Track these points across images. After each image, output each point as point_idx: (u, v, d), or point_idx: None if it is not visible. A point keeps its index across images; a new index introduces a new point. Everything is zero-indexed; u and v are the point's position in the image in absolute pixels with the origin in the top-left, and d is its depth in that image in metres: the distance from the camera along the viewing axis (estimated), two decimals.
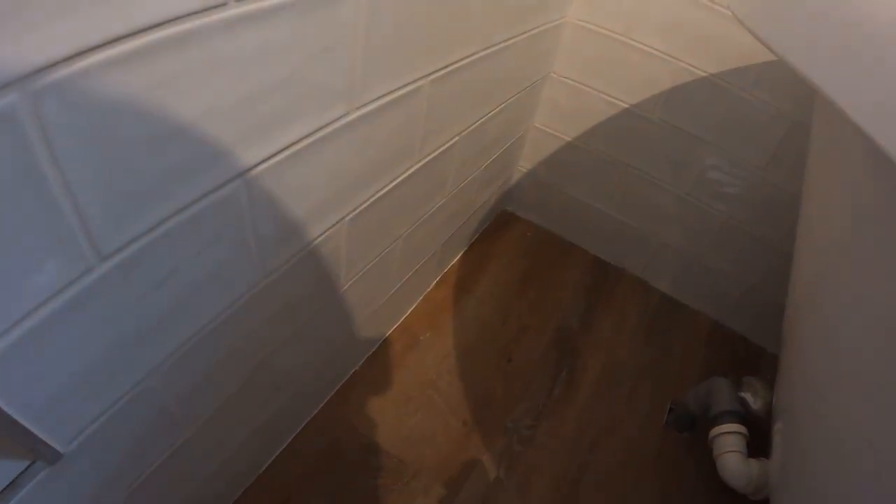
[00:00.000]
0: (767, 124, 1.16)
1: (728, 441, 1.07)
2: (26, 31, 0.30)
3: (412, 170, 0.87)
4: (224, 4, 0.41)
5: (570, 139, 1.43)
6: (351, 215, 0.76)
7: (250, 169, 0.53)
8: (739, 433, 1.08)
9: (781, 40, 0.51)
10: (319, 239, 0.72)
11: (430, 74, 0.75)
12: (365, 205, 0.78)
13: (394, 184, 0.83)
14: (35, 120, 0.33)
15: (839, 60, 0.43)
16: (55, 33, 0.31)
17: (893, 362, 0.52)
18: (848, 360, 0.61)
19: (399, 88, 0.70)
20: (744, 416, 1.11)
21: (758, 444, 1.07)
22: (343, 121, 0.62)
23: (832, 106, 0.41)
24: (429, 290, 1.37)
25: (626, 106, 1.29)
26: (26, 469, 0.47)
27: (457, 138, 0.97)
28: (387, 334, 1.24)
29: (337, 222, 0.74)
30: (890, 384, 0.53)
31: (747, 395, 1.16)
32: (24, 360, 0.41)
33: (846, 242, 0.61)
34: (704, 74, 1.16)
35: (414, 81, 0.73)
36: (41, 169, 0.34)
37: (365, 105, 0.65)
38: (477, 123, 1.04)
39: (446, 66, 0.79)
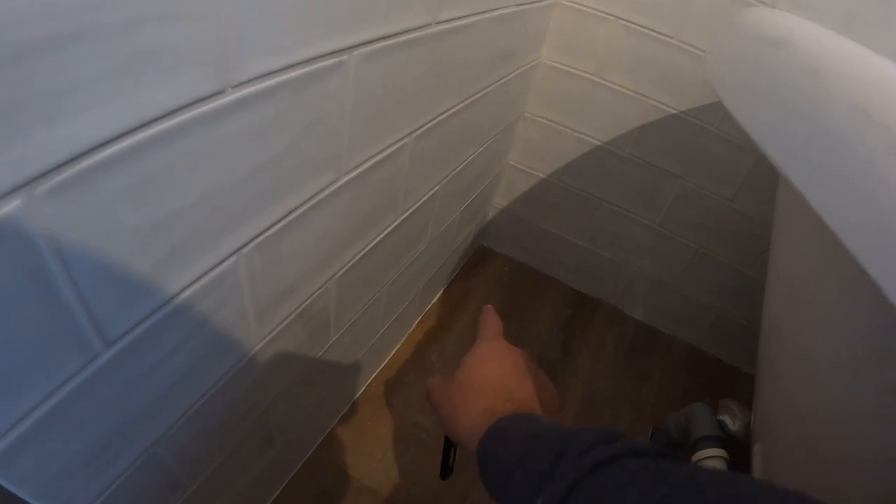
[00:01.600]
0: (734, 158, 1.20)
1: (710, 466, 1.09)
2: (23, 140, 0.31)
3: (397, 222, 0.89)
4: (221, 92, 0.43)
5: (543, 175, 1.47)
6: (339, 273, 0.78)
7: (247, 243, 0.54)
8: (720, 457, 1.09)
9: (743, 111, 0.54)
10: (311, 298, 0.73)
11: (413, 132, 0.77)
12: (352, 262, 0.80)
13: (380, 237, 0.85)
14: (39, 222, 0.34)
15: (793, 133, 0.45)
16: (51, 139, 0.32)
17: (862, 382, 0.55)
18: (821, 382, 0.64)
19: (384, 149, 0.72)
20: (723, 439, 1.13)
21: (738, 465, 1.09)
22: (332, 188, 0.64)
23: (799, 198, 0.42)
24: (411, 330, 1.38)
25: (598, 143, 1.33)
26: None
27: (438, 187, 1.00)
28: (372, 377, 1.25)
29: (327, 280, 0.75)
30: (859, 403, 0.56)
31: (725, 418, 1.18)
32: (35, 446, 0.42)
33: (814, 267, 0.64)
34: (673, 111, 1.20)
35: (398, 141, 0.74)
36: (47, 267, 0.35)
37: (353, 169, 0.67)
38: (457, 170, 1.06)
39: (428, 122, 0.81)
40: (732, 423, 1.17)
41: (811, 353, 0.66)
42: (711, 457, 1.10)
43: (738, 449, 1.12)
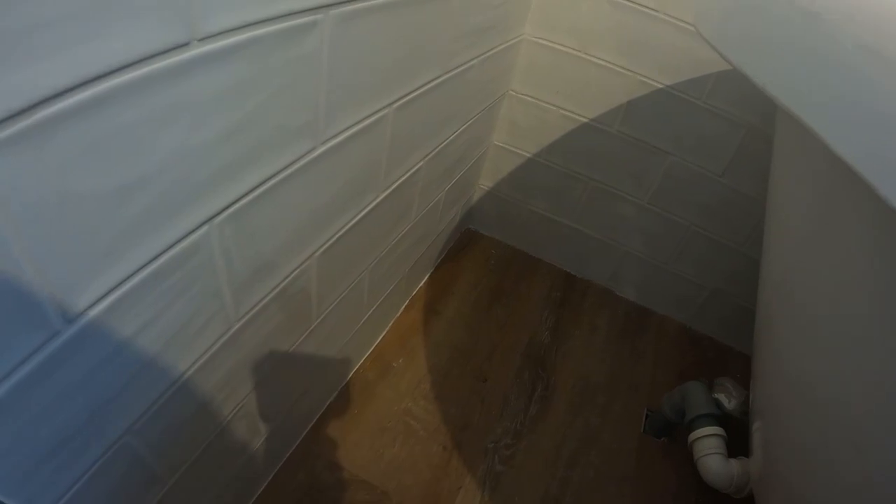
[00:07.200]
0: (724, 131, 1.18)
1: (707, 444, 1.07)
2: None
3: (379, 199, 0.86)
4: (186, 45, 0.39)
5: (529, 155, 1.44)
6: (320, 250, 0.74)
7: (219, 213, 0.51)
8: (718, 435, 1.08)
9: (744, 59, 0.52)
10: (290, 277, 0.70)
11: (393, 102, 0.74)
12: (334, 238, 0.77)
13: (361, 214, 0.82)
14: None
15: (804, 79, 0.43)
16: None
17: (864, 356, 0.53)
18: (823, 356, 0.62)
19: (363, 119, 0.69)
20: (720, 417, 1.12)
21: (735, 443, 1.07)
22: (310, 156, 0.61)
23: (802, 125, 0.41)
24: (398, 315, 1.36)
25: (585, 120, 1.30)
26: None
27: (421, 163, 0.96)
28: (359, 364, 1.22)
29: (307, 258, 0.72)
30: (865, 375, 0.54)
31: (721, 396, 1.17)
32: None
33: (814, 241, 0.62)
34: (660, 86, 1.18)
35: (378, 111, 0.71)
36: (1, 233, 0.32)
37: (331, 139, 0.64)
38: (440, 147, 1.03)
39: (409, 93, 0.78)
40: (728, 402, 1.16)
41: (813, 328, 0.65)
42: (709, 435, 1.08)
43: (734, 426, 1.11)
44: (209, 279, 0.54)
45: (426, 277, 1.48)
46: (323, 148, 0.63)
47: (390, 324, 1.32)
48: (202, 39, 0.40)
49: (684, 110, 1.19)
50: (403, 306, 1.38)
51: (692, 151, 1.25)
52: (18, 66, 0.29)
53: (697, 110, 1.18)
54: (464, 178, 1.34)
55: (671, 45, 1.12)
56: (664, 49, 1.13)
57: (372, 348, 1.26)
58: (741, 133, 1.16)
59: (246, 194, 0.53)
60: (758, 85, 0.47)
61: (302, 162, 0.60)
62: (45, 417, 0.43)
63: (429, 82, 0.83)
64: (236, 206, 0.53)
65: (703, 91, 1.15)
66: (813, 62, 0.43)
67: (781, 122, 0.71)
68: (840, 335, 0.58)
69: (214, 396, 0.67)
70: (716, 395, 1.17)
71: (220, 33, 0.42)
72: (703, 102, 1.17)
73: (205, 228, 0.50)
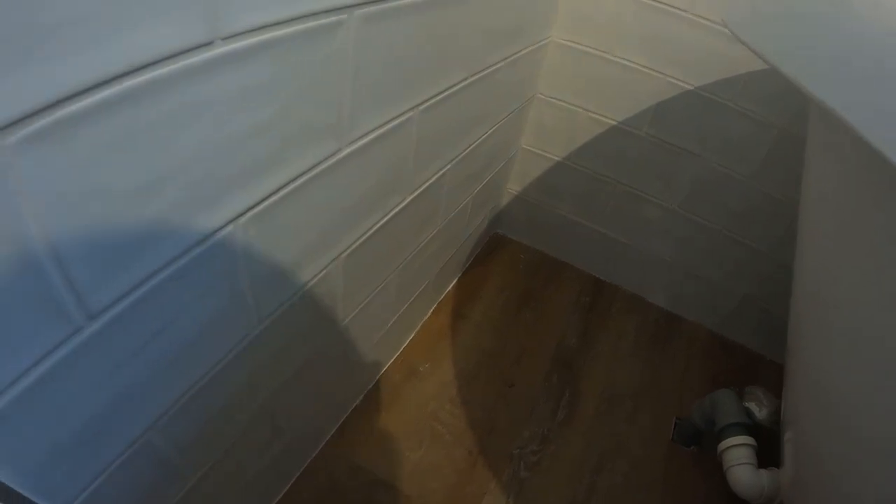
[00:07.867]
0: (754, 133, 1.16)
1: (738, 453, 1.05)
2: None
3: (406, 202, 0.85)
4: (209, 44, 0.40)
5: (558, 159, 1.43)
6: (346, 252, 0.74)
7: (242, 214, 0.51)
8: (748, 445, 1.06)
9: (776, 52, 0.51)
10: (315, 279, 0.70)
11: (419, 105, 0.74)
12: (360, 241, 0.77)
13: (388, 217, 0.82)
14: (14, 177, 0.31)
15: (835, 69, 0.42)
16: (27, 82, 0.29)
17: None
18: (857, 365, 0.60)
19: (389, 121, 0.69)
20: (750, 426, 1.09)
21: (765, 454, 1.05)
22: (335, 157, 0.61)
23: (829, 113, 0.40)
24: (425, 319, 1.35)
25: (614, 122, 1.29)
26: None
27: (448, 166, 0.96)
28: (385, 367, 1.21)
29: (332, 260, 0.72)
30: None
31: (751, 405, 1.15)
32: (14, 427, 0.39)
33: (848, 247, 0.60)
34: (690, 87, 1.16)
35: (404, 112, 0.71)
36: (21, 225, 0.32)
37: (356, 140, 0.64)
38: (467, 150, 1.03)
39: (436, 95, 0.78)
40: (759, 411, 1.14)
41: (846, 335, 0.63)
42: (739, 444, 1.06)
43: (765, 436, 1.08)
44: (233, 280, 0.54)
45: (454, 281, 1.48)
46: (348, 149, 0.63)
47: (418, 327, 1.32)
48: (225, 38, 0.41)
49: (714, 112, 1.17)
50: (431, 310, 1.38)
51: (722, 154, 1.23)
52: (44, 63, 0.30)
53: (727, 112, 1.16)
54: (492, 181, 1.33)
55: (700, 45, 1.10)
56: (693, 50, 1.11)
57: (399, 352, 1.26)
58: (772, 135, 1.14)
59: (270, 195, 0.54)
60: (793, 81, 0.46)
61: (327, 163, 0.60)
62: (66, 412, 0.43)
63: (455, 84, 0.82)
64: (261, 206, 0.53)
65: (733, 92, 1.13)
66: (848, 52, 0.42)
67: (815, 122, 0.70)
68: (875, 343, 0.56)
69: (238, 397, 0.67)
70: (746, 404, 1.15)
71: (243, 33, 0.42)
72: (733, 104, 1.15)
73: (229, 228, 0.50)
